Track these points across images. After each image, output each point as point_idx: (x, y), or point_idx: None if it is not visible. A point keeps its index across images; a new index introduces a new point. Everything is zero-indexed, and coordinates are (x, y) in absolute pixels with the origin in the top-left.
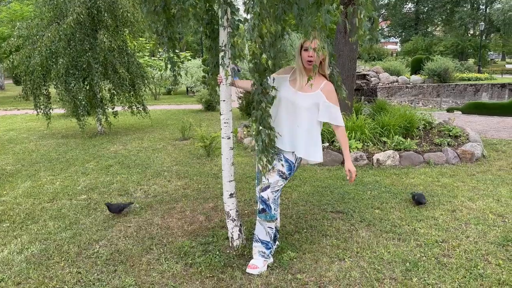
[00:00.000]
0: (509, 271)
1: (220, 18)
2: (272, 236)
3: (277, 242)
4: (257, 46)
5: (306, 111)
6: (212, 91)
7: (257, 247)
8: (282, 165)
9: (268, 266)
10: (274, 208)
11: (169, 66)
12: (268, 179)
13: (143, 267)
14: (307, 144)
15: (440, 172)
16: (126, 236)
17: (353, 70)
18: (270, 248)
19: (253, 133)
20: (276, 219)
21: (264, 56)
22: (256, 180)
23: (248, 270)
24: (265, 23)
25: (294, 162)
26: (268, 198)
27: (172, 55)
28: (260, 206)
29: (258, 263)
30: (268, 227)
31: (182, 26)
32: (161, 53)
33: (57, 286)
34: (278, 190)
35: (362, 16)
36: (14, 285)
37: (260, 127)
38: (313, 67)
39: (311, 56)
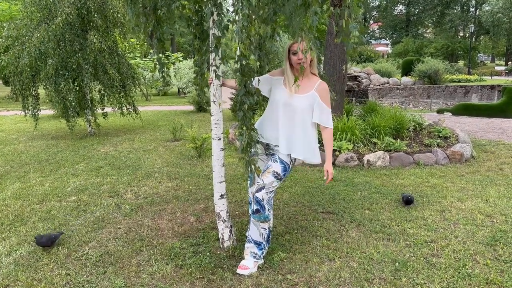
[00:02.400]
0: (497, 270)
1: (207, 19)
2: (266, 237)
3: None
4: (246, 47)
5: (302, 113)
6: (200, 91)
7: (249, 248)
8: (277, 166)
9: (258, 267)
10: (268, 209)
11: (158, 67)
12: (263, 180)
13: (133, 269)
14: (305, 146)
15: (430, 173)
16: (116, 238)
17: (344, 72)
18: (262, 249)
19: (237, 133)
20: (270, 219)
21: (252, 57)
22: (248, 181)
23: (238, 270)
24: (253, 24)
25: (289, 163)
26: (263, 199)
27: (161, 56)
28: (254, 206)
29: (249, 264)
30: (262, 227)
31: (167, 27)
32: (151, 53)
33: None
34: (272, 191)
35: (349, 18)
36: (2, 287)
37: (244, 127)
38: (300, 68)
39: (301, 59)
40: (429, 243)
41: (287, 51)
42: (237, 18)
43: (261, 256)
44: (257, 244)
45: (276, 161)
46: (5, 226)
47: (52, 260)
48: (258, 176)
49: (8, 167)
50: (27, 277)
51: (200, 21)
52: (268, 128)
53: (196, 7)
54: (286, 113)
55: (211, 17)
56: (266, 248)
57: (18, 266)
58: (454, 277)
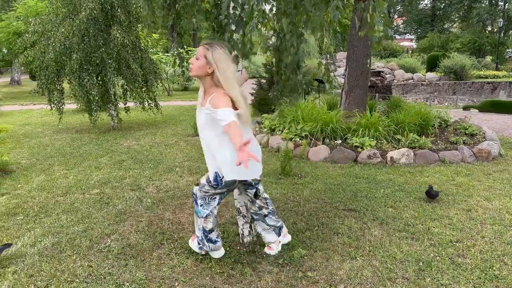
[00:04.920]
0: None
1: (222, 13)
2: (202, 234)
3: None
4: (261, 43)
5: (205, 128)
6: None
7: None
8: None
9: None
10: (202, 206)
11: (177, 61)
12: (202, 179)
13: (154, 262)
14: (225, 164)
15: (456, 171)
16: (137, 231)
17: (368, 67)
18: (200, 245)
19: None
20: (202, 218)
21: (267, 53)
22: None
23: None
24: (269, 20)
25: (221, 176)
26: (196, 194)
27: (180, 50)
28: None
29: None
30: (199, 223)
31: (185, 22)
32: (172, 48)
33: (69, 279)
34: (206, 192)
35: (374, 12)
36: (27, 277)
37: None
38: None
39: (192, 63)
40: (454, 243)
41: None
42: (252, 14)
43: (201, 248)
44: (198, 236)
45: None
46: (30, 217)
47: (75, 252)
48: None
49: (34, 159)
50: (51, 268)
51: (218, 14)
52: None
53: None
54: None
55: (226, 11)
56: (206, 246)
57: (42, 256)
58: (480, 278)
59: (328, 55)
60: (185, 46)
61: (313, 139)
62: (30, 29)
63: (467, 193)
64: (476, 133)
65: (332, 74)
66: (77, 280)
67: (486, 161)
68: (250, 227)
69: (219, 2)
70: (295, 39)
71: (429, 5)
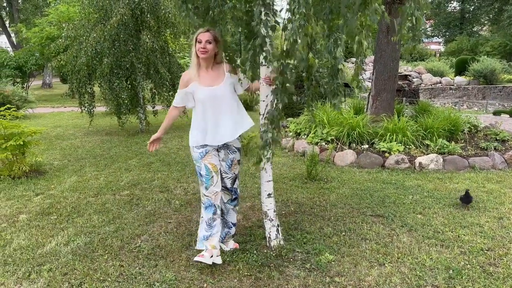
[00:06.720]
0: None
1: (255, 19)
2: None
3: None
4: (304, 46)
5: (230, 99)
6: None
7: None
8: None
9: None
10: None
11: None
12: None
13: (182, 263)
14: (236, 122)
15: (486, 178)
16: (166, 232)
17: (395, 71)
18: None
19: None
20: None
21: (310, 55)
22: (206, 181)
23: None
24: (310, 23)
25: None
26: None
27: None
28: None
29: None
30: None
31: (220, 28)
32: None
33: (101, 278)
34: None
35: (416, 15)
36: (61, 275)
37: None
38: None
39: (204, 48)
40: (485, 251)
41: (194, 40)
42: (293, 17)
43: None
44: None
45: (236, 152)
46: (63, 217)
47: (107, 252)
48: (216, 174)
49: (66, 161)
50: (84, 267)
51: (250, 20)
52: (213, 131)
53: (247, 6)
54: (215, 106)
55: (260, 16)
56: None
57: (76, 256)
58: None
59: (358, 59)
60: None
61: (339, 143)
62: (63, 34)
63: (498, 201)
64: (507, 139)
65: (360, 78)
66: (109, 279)
67: None
68: (277, 230)
69: (249, 9)
70: (331, 43)
71: (458, 7)
